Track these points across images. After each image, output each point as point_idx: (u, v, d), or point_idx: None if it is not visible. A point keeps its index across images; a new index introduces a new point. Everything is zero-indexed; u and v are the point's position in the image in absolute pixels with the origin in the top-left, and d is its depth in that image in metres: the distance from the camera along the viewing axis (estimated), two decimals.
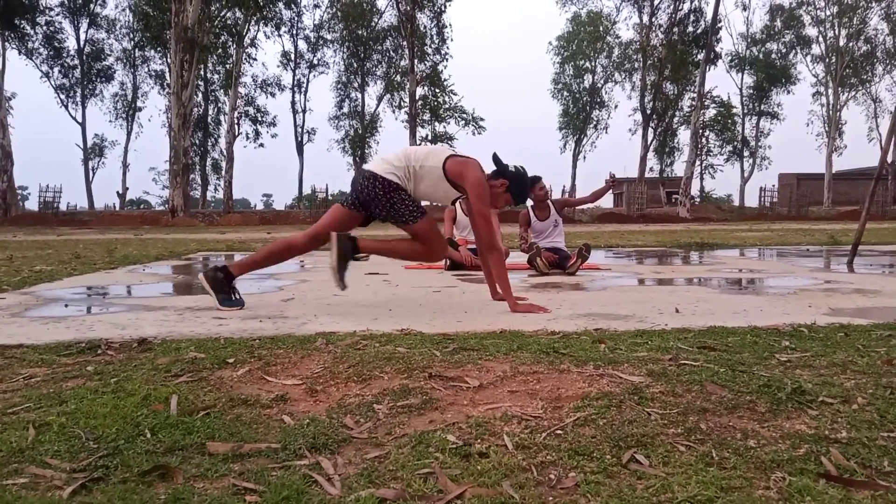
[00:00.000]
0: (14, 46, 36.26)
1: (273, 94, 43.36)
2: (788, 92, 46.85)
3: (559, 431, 1.54)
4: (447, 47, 37.62)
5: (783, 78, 45.98)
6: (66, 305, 3.71)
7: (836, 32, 41.99)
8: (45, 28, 38.18)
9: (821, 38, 43.24)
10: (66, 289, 4.52)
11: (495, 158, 3.67)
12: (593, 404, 1.71)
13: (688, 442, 1.46)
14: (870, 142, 45.21)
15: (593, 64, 48.30)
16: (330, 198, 31.18)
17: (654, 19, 37.24)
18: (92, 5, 40.51)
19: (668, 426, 1.55)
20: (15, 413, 1.68)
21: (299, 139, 42.71)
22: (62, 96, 41.96)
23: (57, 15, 38.61)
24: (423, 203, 3.67)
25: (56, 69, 40.85)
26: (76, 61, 41.61)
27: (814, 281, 4.90)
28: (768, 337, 2.56)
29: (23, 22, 34.90)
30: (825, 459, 1.35)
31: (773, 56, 46.38)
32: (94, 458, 1.38)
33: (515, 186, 3.69)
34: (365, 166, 3.58)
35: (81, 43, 41.47)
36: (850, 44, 41.73)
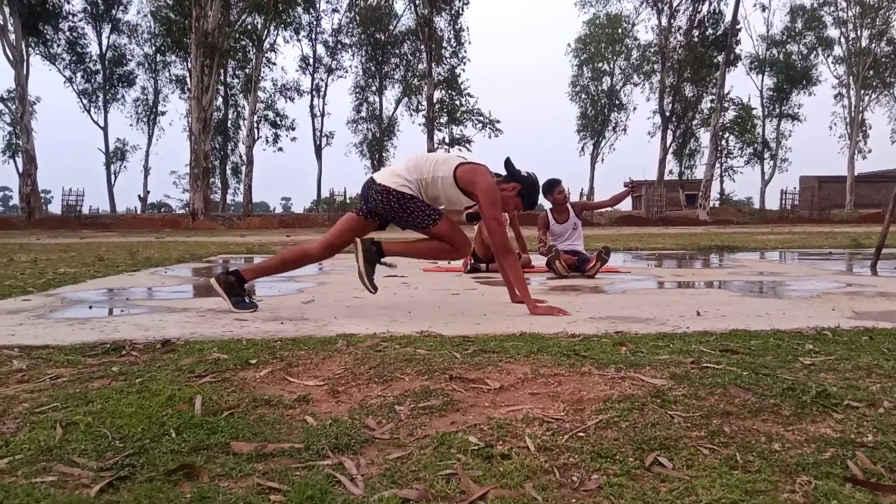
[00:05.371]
0: (38, 52, 36.91)
1: (292, 99, 43.85)
2: (809, 94, 46.46)
3: (581, 434, 1.54)
4: (464, 50, 37.79)
5: (804, 79, 45.56)
6: (91, 307, 3.75)
7: (859, 33, 41.51)
8: (67, 34, 38.82)
9: (843, 40, 42.78)
10: (90, 291, 4.57)
11: (508, 163, 3.66)
12: (615, 407, 1.70)
13: (711, 445, 1.45)
14: (893, 143, 44.70)
15: (612, 66, 48.19)
16: (348, 201, 31.32)
17: (673, 21, 37.05)
18: (114, 11, 41.04)
19: (691, 429, 1.55)
20: (42, 412, 1.71)
21: (318, 143, 42.97)
22: (85, 101, 42.62)
23: (80, 21, 39.24)
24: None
25: (79, 74, 41.51)
26: (98, 66, 42.20)
27: (837, 284, 4.84)
28: (791, 340, 2.54)
29: (46, 27, 35.42)
30: (851, 463, 1.34)
31: (794, 57, 45.97)
32: (121, 456, 1.40)
33: (527, 191, 3.68)
34: (376, 178, 3.51)
35: (104, 48, 42.09)
36: (873, 45, 41.20)
